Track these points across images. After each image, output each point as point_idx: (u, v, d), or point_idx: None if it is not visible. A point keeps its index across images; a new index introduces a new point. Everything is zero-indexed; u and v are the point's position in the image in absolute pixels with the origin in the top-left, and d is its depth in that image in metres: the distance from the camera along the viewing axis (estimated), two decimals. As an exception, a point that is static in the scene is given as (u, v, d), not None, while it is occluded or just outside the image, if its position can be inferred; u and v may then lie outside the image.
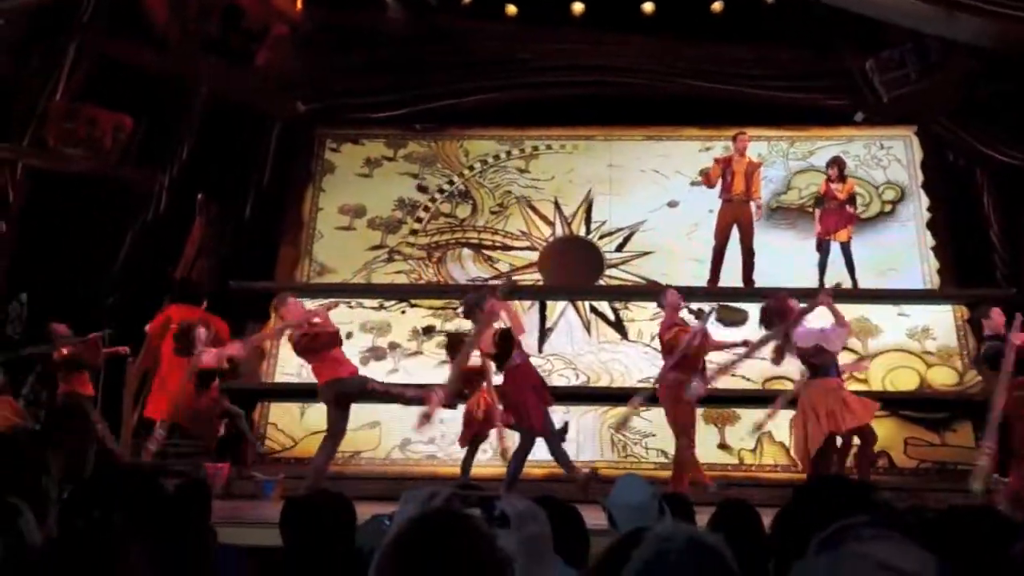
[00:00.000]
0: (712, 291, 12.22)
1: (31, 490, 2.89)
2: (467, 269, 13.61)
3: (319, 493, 3.98)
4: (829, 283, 11.49)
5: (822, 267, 12.21)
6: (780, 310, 9.16)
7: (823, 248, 12.31)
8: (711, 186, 12.33)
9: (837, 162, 12.45)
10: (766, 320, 9.20)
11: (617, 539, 2.23)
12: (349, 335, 11.55)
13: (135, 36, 12.39)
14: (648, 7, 14.05)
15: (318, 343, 9.20)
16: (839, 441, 9.03)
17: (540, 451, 10.81)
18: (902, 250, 13.30)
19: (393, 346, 12.76)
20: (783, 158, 14.15)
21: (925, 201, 13.73)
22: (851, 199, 12.32)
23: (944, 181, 13.83)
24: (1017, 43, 11.65)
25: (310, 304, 10.15)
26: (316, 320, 9.36)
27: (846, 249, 12.25)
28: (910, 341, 12.49)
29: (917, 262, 13.24)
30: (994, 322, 9.52)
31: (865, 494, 2.64)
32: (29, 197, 11.89)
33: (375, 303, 13.06)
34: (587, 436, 11.78)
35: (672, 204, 13.81)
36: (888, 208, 13.69)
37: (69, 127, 11.64)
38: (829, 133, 14.25)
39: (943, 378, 12.31)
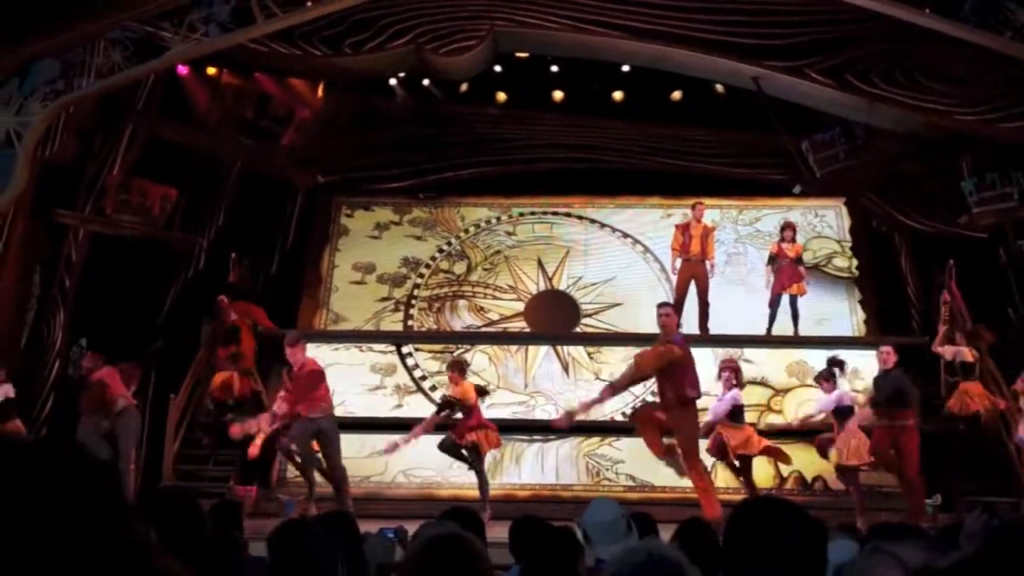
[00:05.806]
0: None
1: None
2: (463, 318, 13.67)
3: (329, 513, 3.98)
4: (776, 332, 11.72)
5: (772, 319, 12.21)
6: None
7: (776, 303, 12.26)
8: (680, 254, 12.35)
9: (790, 226, 12.54)
10: None
11: None
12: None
13: (180, 120, 12.60)
14: (618, 95, 14.35)
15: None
16: None
17: (523, 474, 10.86)
18: (834, 303, 13.36)
19: (398, 385, 12.71)
20: (733, 224, 14.28)
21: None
22: (799, 259, 12.37)
23: (869, 245, 13.96)
24: (928, 129, 11.85)
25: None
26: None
27: (795, 302, 12.20)
28: (841, 381, 12.46)
29: (847, 313, 13.30)
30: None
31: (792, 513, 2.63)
32: (89, 256, 12.03)
33: (383, 347, 13.04)
34: (566, 463, 11.78)
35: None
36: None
37: (124, 198, 11.82)
38: (772, 203, 14.40)
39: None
